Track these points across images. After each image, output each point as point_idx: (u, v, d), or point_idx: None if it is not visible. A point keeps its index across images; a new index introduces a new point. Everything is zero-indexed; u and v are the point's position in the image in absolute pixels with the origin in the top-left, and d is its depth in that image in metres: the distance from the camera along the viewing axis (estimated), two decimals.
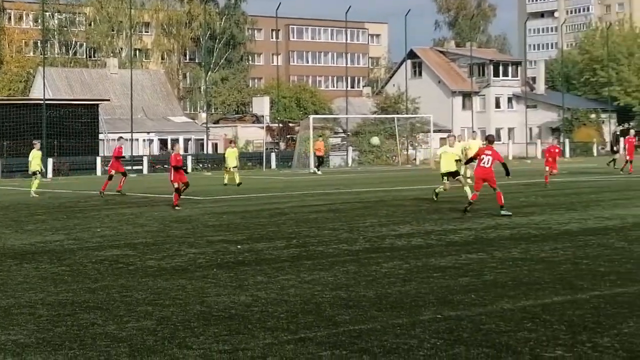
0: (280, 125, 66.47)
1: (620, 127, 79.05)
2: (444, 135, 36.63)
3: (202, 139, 62.45)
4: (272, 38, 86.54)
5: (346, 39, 76.41)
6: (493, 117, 78.06)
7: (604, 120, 77.42)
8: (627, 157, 34.75)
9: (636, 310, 8.17)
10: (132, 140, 51.95)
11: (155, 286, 10.17)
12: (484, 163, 18.39)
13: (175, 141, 33.26)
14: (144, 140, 60.99)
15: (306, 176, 42.46)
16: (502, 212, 17.82)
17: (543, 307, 8.39)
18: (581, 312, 8.12)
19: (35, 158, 28.34)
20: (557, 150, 29.15)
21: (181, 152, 59.20)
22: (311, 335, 7.41)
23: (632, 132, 36.03)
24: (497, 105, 79.19)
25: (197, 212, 20.92)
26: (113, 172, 28.10)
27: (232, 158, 33.21)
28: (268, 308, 8.65)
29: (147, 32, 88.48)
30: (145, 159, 51.97)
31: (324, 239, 14.49)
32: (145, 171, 49.24)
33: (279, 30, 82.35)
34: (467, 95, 78.21)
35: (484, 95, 78.96)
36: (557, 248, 12.71)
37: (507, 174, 18.84)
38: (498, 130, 75.14)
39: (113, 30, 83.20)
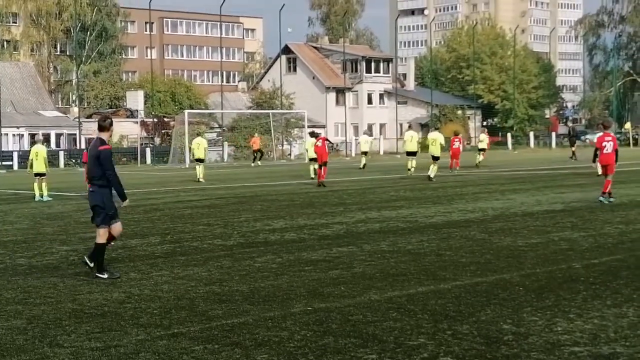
0: (155, 120, 65.58)
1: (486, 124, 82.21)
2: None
3: (75, 134, 60.95)
4: (146, 31, 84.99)
5: (221, 33, 76.09)
6: (365, 112, 79.54)
7: (470, 116, 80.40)
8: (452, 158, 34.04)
9: (493, 298, 8.66)
10: (0, 135, 50.18)
11: (26, 285, 10.01)
12: (606, 150, 18.51)
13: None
14: (13, 135, 58.99)
15: (182, 172, 42.14)
16: (601, 199, 18.37)
17: (408, 298, 8.77)
18: (443, 302, 8.53)
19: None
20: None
21: (53, 146, 58.16)
22: (184, 330, 7.52)
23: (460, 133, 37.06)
24: (370, 101, 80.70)
25: (69, 209, 20.54)
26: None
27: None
28: (141, 304, 8.68)
29: (16, 23, 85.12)
30: (15, 155, 50.33)
31: (198, 235, 14.56)
32: (15, 167, 47.60)
33: (152, 23, 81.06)
34: (340, 91, 79.35)
35: (356, 91, 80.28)
36: (422, 240, 13.23)
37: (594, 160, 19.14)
38: (370, 126, 76.63)
39: None
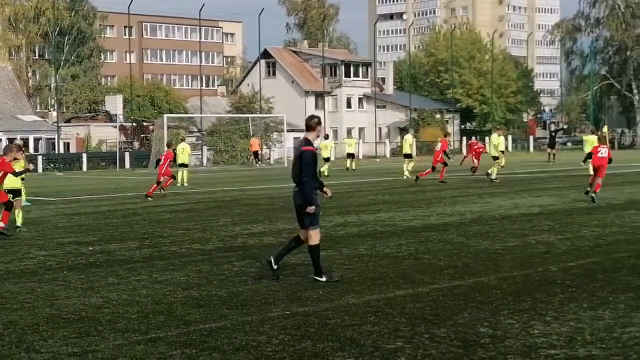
0: (134, 124, 65.31)
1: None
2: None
3: (54, 138, 60.59)
4: (125, 35, 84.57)
5: (200, 37, 75.96)
6: (345, 117, 79.67)
7: (449, 120, 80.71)
8: (471, 158, 36.21)
9: (471, 302, 8.72)
10: None
11: (2, 290, 9.95)
12: (600, 154, 19.98)
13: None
14: None
15: None
16: (593, 195, 19.50)
17: (386, 301, 8.81)
18: (421, 305, 8.58)
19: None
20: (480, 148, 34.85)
21: (31, 151, 57.77)
22: (162, 335, 7.51)
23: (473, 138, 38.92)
24: (349, 105, 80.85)
25: (47, 214, 20.43)
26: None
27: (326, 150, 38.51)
28: (119, 309, 8.67)
29: None
30: None
31: (177, 239, 14.53)
32: None
33: (131, 27, 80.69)
34: (319, 95, 79.45)
35: (335, 95, 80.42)
36: (401, 244, 13.29)
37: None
38: (349, 130, 76.78)
39: None
